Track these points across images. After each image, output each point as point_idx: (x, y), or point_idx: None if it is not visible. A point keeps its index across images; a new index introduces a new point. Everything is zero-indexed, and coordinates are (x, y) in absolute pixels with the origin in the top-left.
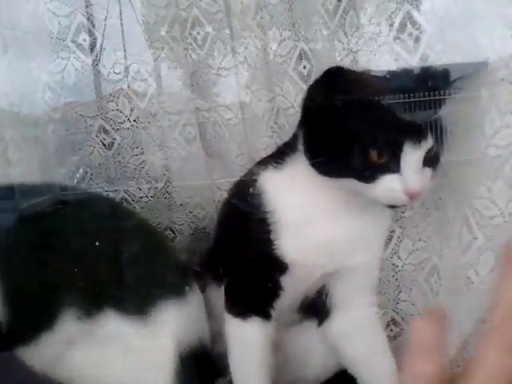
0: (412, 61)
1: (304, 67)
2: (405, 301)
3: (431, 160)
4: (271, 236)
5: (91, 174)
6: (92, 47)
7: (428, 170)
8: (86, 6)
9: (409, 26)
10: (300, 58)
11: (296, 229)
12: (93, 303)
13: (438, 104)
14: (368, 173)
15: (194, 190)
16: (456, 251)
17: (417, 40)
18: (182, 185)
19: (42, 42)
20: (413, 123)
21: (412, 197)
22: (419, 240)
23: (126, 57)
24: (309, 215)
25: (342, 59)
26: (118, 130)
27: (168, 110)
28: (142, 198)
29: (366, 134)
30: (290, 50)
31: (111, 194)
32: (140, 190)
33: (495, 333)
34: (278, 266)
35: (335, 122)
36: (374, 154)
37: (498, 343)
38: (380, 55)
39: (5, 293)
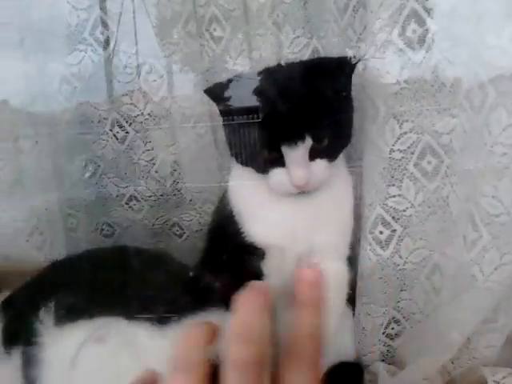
0: (416, 58)
1: None
2: (406, 299)
3: (324, 152)
4: (239, 226)
5: (103, 169)
6: (107, 41)
7: (320, 162)
8: (103, 0)
9: (413, 23)
10: (313, 54)
11: (253, 215)
12: None
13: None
14: (262, 166)
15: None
16: (460, 249)
17: (422, 37)
18: (192, 181)
19: (60, 34)
20: (287, 125)
21: (300, 188)
22: (420, 239)
23: (138, 52)
24: (260, 200)
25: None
26: (131, 124)
27: (181, 105)
28: (150, 196)
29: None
30: (303, 47)
31: (121, 190)
32: (149, 189)
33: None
34: (254, 252)
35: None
36: (264, 151)
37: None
38: (385, 51)
39: None
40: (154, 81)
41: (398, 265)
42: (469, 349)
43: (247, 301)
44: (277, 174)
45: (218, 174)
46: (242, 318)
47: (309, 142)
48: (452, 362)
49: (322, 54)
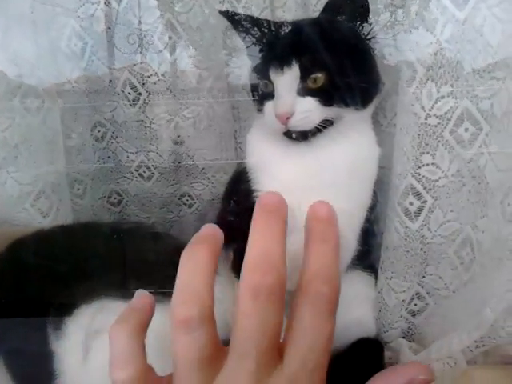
0: (460, 15)
1: None
2: (431, 274)
3: (317, 92)
4: (251, 184)
5: (113, 132)
6: None
7: (310, 100)
8: None
9: None
10: None
11: (264, 173)
12: None
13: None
14: (259, 101)
15: (218, 153)
16: (497, 222)
17: None
18: (206, 149)
19: None
20: (277, 49)
21: (281, 119)
22: (451, 211)
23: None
24: (269, 159)
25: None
26: (144, 84)
27: (197, 66)
28: (161, 163)
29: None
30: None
31: (131, 156)
32: (160, 156)
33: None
34: None
35: None
36: (262, 84)
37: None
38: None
39: None
40: (170, 38)
41: (426, 238)
42: (494, 327)
43: (264, 225)
44: (268, 107)
45: (233, 142)
46: (258, 245)
47: (296, 70)
48: (475, 341)
49: None
